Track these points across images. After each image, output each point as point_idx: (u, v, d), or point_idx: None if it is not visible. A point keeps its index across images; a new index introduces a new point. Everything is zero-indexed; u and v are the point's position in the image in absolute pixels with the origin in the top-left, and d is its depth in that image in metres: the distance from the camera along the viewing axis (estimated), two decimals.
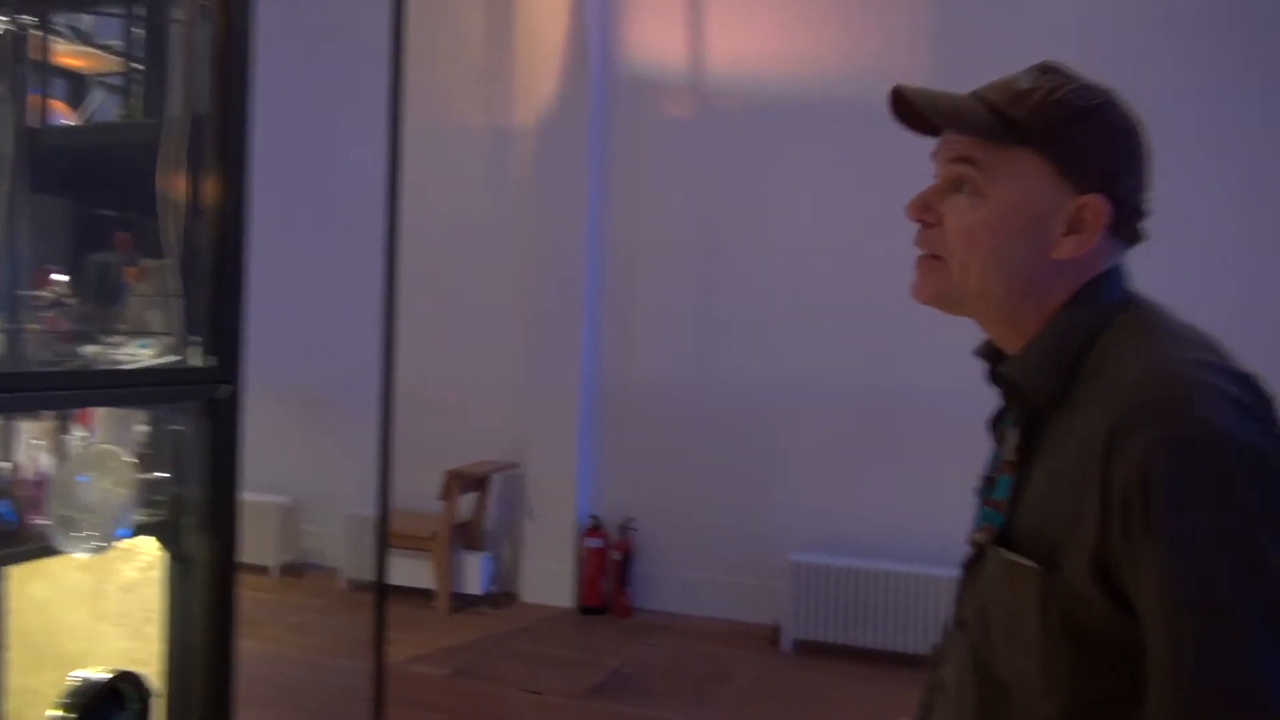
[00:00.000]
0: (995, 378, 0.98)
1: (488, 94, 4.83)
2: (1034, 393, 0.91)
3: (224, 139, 1.55)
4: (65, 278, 1.66)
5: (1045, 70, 0.93)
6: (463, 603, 4.63)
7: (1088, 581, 0.81)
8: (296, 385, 4.99)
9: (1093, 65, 1.00)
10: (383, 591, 2.18)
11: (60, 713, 1.36)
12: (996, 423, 1.03)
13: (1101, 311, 0.91)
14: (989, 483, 0.99)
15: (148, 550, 1.64)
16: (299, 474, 5.09)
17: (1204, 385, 0.80)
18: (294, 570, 5.02)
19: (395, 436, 2.54)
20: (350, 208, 4.69)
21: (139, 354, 1.62)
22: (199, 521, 1.59)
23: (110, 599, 1.66)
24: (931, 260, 0.96)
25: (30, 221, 1.72)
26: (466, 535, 4.75)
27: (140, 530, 1.59)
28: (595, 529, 4.55)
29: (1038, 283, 0.92)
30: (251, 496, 4.64)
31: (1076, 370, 0.89)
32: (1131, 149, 0.91)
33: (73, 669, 1.63)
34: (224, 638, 1.60)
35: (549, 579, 4.69)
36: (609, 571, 4.54)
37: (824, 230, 4.36)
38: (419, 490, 4.74)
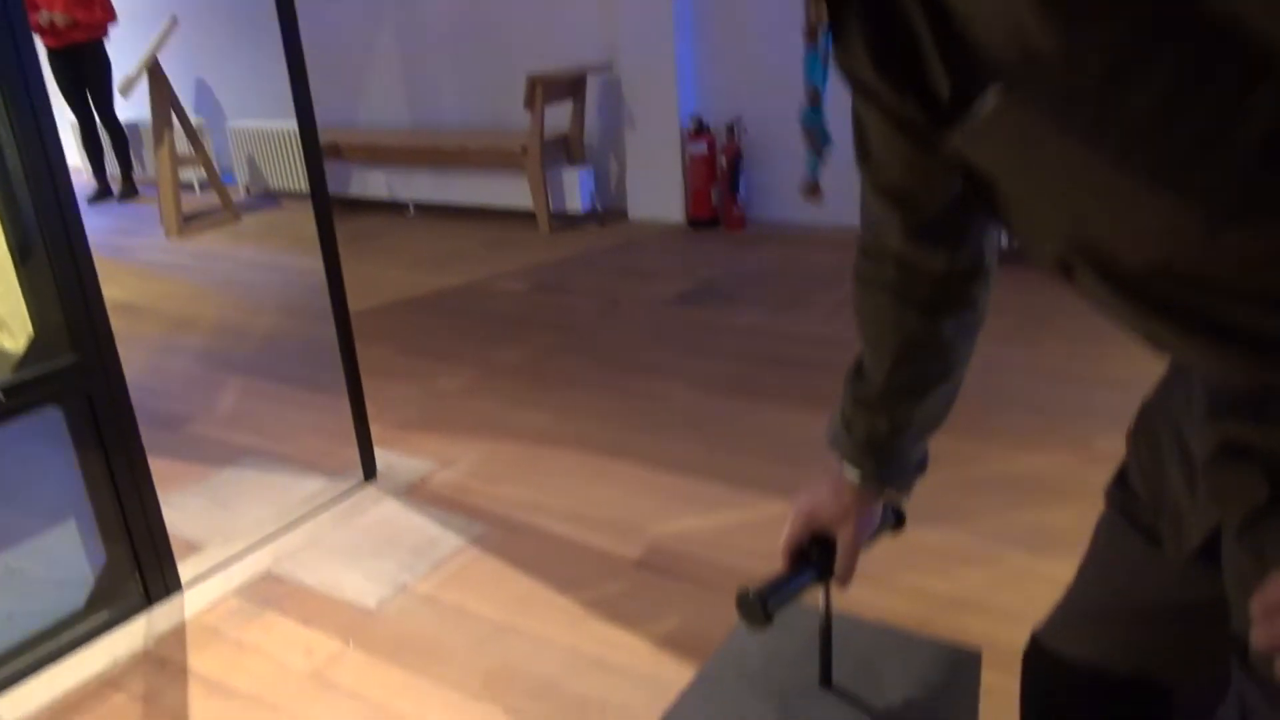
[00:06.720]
0: None
1: None
2: None
3: None
4: None
5: None
6: (566, 223, 4.36)
7: None
8: None
9: None
10: (323, 199, 1.92)
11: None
12: None
13: None
14: None
15: None
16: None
17: None
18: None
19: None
20: None
21: None
22: None
23: None
24: None
25: None
26: (565, 149, 4.37)
27: None
28: (700, 132, 4.03)
29: None
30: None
31: None
32: None
33: None
34: None
35: (655, 192, 4.29)
36: (718, 180, 4.07)
37: None
38: (508, 105, 4.35)
